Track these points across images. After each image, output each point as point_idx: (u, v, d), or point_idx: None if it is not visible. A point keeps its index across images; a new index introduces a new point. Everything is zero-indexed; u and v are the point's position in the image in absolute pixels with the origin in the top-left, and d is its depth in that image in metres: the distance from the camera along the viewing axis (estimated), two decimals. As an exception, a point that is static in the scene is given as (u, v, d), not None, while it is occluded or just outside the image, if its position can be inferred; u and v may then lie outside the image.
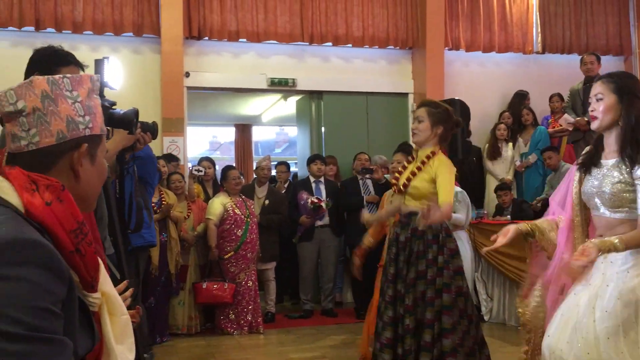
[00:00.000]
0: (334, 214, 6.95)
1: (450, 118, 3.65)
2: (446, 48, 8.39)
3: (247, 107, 11.21)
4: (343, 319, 6.68)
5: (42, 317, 1.11)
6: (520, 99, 8.09)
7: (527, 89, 8.36)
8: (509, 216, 6.58)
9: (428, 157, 3.59)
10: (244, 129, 13.05)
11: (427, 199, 3.51)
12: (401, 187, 3.62)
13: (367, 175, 6.96)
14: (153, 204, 5.57)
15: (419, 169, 3.59)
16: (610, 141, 2.59)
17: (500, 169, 7.70)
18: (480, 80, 8.69)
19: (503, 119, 7.98)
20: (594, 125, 2.61)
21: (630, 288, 2.40)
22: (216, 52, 7.74)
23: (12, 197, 1.25)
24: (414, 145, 3.89)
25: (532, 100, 8.17)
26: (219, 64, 7.75)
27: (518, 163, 7.66)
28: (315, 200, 6.62)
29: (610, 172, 2.55)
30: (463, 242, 5.22)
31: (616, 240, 2.39)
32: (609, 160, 2.59)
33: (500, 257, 6.02)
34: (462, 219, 5.27)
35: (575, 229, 2.70)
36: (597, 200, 2.57)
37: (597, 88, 2.60)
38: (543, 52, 8.78)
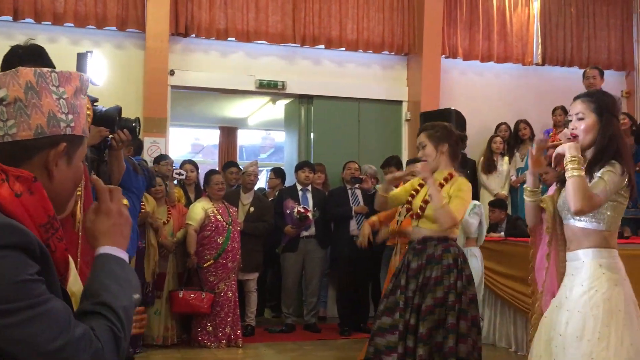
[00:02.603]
0: (321, 224, 6.94)
1: (452, 134, 3.73)
2: (443, 56, 8.43)
3: (233, 109, 11.19)
4: (326, 335, 6.65)
5: (25, 288, 1.16)
6: None
7: (525, 102, 8.42)
8: (502, 233, 6.60)
9: (446, 180, 3.63)
10: (228, 132, 13.00)
11: None
12: (418, 211, 3.62)
13: (357, 185, 6.96)
14: (130, 208, 5.54)
15: None
16: (588, 158, 2.75)
17: (495, 184, 7.74)
18: (478, 90, 8.74)
19: (500, 131, 8.03)
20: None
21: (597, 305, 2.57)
22: (203, 50, 7.74)
23: None
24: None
25: (531, 113, 8.23)
26: (206, 63, 7.74)
27: (514, 178, 7.70)
28: (302, 210, 6.61)
29: None
30: (477, 259, 5.25)
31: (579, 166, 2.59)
32: None
33: (494, 276, 6.03)
34: (473, 224, 5.29)
35: (552, 239, 2.91)
36: (565, 210, 2.76)
37: (578, 107, 2.76)
38: (543, 64, 8.85)
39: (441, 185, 3.59)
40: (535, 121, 8.03)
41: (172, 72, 7.49)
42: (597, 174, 2.63)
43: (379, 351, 3.51)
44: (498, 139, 7.84)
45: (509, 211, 7.41)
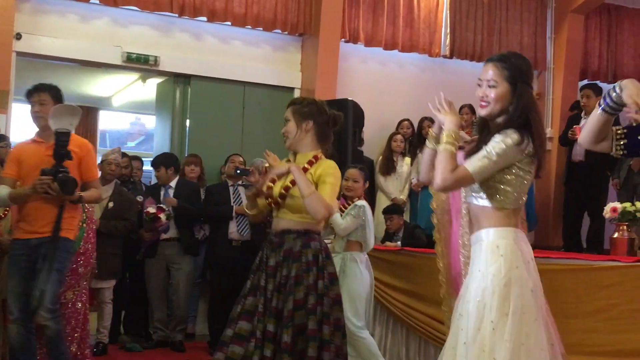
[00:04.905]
0: (186, 225, 6.85)
1: (322, 112, 3.77)
2: (342, 39, 8.52)
3: (95, 85, 11.01)
4: (192, 355, 6.61)
5: None
6: None
7: (430, 97, 8.45)
8: (399, 242, 6.72)
9: (310, 163, 3.67)
10: (88, 113, 12.65)
11: (307, 212, 3.54)
12: (277, 198, 3.63)
13: (242, 180, 6.79)
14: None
15: None
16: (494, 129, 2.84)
17: (393, 187, 7.88)
18: (379, 81, 8.90)
19: (401, 128, 8.19)
20: (483, 112, 2.87)
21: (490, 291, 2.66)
22: (59, 12, 7.50)
23: None
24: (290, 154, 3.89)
25: (436, 110, 8.43)
26: (61, 28, 7.51)
27: (415, 181, 7.88)
28: (153, 211, 6.51)
29: None
30: (362, 265, 5.26)
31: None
32: None
33: (388, 290, 6.11)
34: (340, 224, 5.26)
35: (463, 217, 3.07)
36: (467, 188, 2.88)
37: (490, 72, 2.83)
38: (451, 57, 9.13)
39: (305, 170, 3.61)
40: (441, 119, 8.23)
41: (18, 36, 7.24)
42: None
43: None
44: (399, 137, 7.99)
45: (407, 218, 7.57)
